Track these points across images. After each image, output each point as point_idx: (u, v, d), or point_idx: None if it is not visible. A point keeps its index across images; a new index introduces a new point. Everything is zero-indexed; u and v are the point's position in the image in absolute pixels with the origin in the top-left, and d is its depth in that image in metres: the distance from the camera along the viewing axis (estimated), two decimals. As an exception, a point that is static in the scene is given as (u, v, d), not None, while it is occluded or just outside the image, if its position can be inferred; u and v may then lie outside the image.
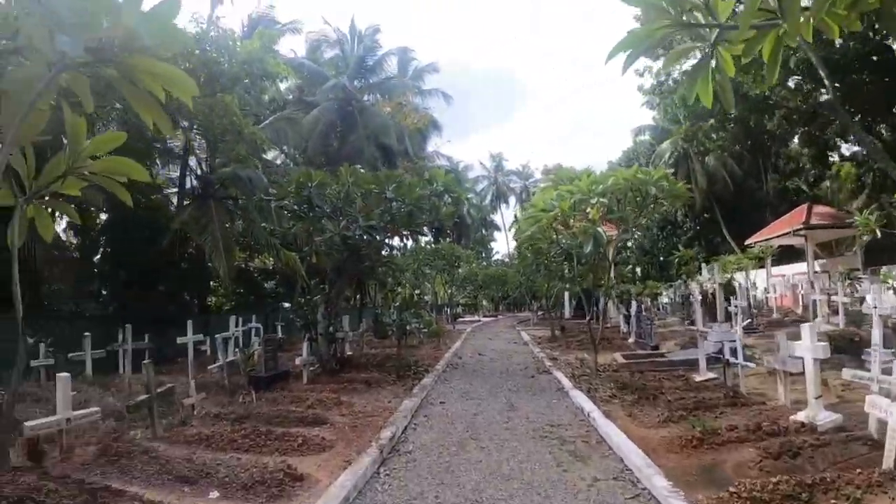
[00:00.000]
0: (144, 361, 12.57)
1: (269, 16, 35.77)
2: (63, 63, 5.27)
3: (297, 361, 17.91)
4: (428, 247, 39.38)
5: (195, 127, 24.48)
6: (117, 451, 9.47)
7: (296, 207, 17.99)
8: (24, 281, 22.41)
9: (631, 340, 25.80)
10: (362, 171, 17.82)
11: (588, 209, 16.42)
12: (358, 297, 40.38)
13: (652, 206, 17.38)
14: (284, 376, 17.49)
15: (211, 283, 31.48)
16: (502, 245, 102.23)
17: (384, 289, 39.76)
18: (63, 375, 10.34)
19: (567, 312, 45.95)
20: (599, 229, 16.29)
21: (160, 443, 10.51)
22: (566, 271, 26.62)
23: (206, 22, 24.61)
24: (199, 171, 29.37)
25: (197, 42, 22.88)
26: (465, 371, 20.39)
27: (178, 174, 30.02)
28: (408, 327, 18.77)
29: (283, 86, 36.34)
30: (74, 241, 28.83)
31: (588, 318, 22.98)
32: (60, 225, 31.09)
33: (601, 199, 16.35)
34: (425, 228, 20.34)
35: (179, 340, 19.32)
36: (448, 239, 38.96)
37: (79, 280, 25.74)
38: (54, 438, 9.89)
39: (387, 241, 19.83)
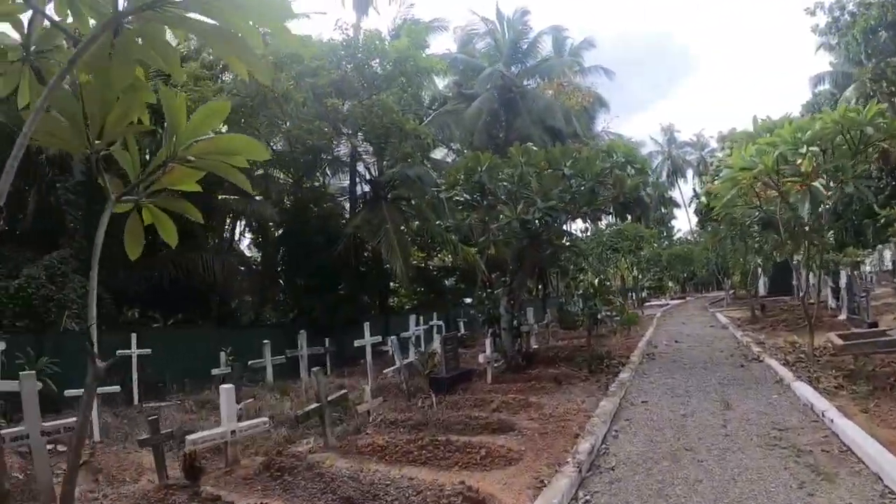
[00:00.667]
0: (314, 369, 11.84)
1: (411, 16, 35.11)
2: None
3: (481, 359, 16.53)
4: (609, 229, 36.83)
5: (359, 130, 24.04)
6: (281, 466, 8.71)
7: (467, 196, 16.61)
8: (213, 294, 22.99)
9: (842, 317, 22.37)
10: (535, 148, 15.98)
11: (799, 161, 13.66)
12: (540, 287, 38.74)
13: (870, 150, 14.36)
14: (467, 376, 16.15)
15: (390, 283, 31.23)
16: (683, 223, 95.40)
17: (566, 277, 37.78)
18: (226, 387, 9.66)
19: (762, 289, 41.77)
20: (815, 184, 13.53)
21: (331, 453, 9.81)
22: (763, 242, 23.44)
23: (353, 29, 24.13)
24: (367, 176, 29.10)
25: (346, 48, 22.49)
26: (664, 362, 17.94)
27: (348, 181, 29.97)
28: (598, 316, 16.82)
29: (441, 83, 35.62)
30: (257, 254, 29.62)
31: (801, 293, 19.84)
32: (244, 241, 32.22)
33: (811, 149, 13.59)
34: (607, 208, 18.28)
35: (357, 343, 18.64)
36: (629, 219, 36.28)
37: (261, 290, 26.20)
38: (221, 449, 9.61)
39: (568, 223, 18.06)
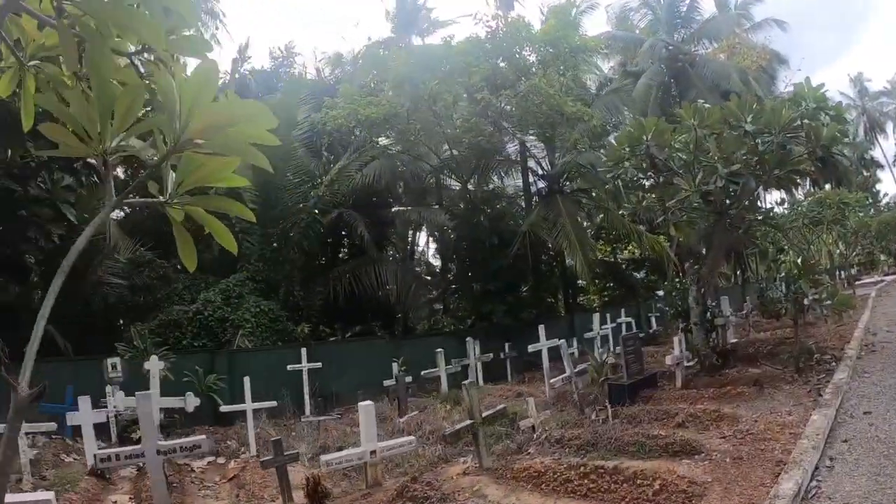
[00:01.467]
0: (466, 381, 10.54)
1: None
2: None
3: (668, 361, 14.28)
4: (808, 199, 31.60)
5: (519, 122, 22.43)
6: (413, 495, 7.95)
7: (636, 173, 14.39)
8: (389, 305, 22.36)
9: None
10: (707, 105, 13.40)
11: None
12: (738, 272, 34.79)
13: None
14: (651, 381, 13.94)
15: (578, 281, 29.26)
16: (888, 185, 79.50)
17: (766, 258, 33.46)
18: (365, 405, 9.04)
19: None
20: None
21: (484, 477, 8.80)
22: None
23: (494, 20, 22.49)
24: (540, 171, 27.39)
25: (490, 40, 21.06)
26: (889, 355, 14.33)
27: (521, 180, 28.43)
28: (805, 301, 13.88)
29: (605, 66, 32.94)
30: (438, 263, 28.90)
31: None
32: (430, 250, 31.64)
33: None
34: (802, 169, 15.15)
35: (531, 348, 17.08)
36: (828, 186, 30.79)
37: (437, 298, 25.38)
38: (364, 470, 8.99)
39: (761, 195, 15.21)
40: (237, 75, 28.52)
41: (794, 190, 16.62)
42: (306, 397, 17.16)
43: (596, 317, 19.94)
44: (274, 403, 14.75)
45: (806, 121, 11.85)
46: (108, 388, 13.72)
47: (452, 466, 10.04)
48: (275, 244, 22.68)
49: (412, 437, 9.67)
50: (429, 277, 27.01)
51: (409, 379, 17.89)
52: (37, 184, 16.71)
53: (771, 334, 18.62)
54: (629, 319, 22.62)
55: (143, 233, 27.92)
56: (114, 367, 14.58)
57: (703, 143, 12.94)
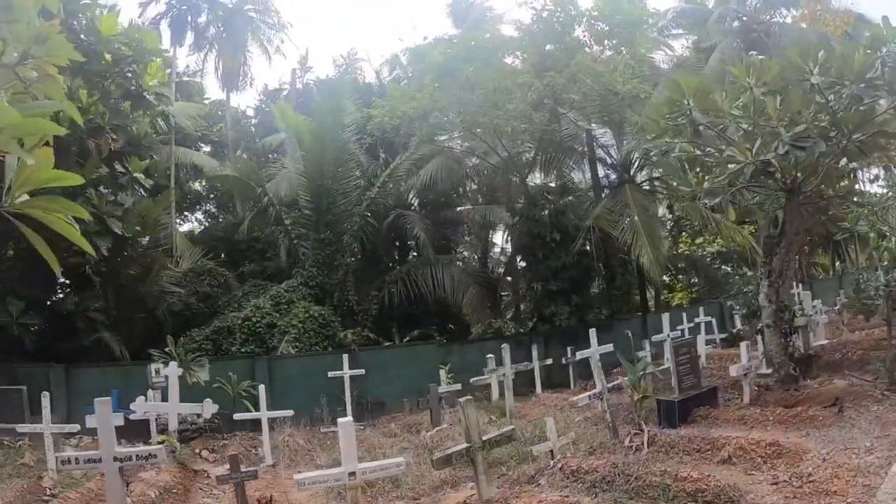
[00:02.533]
0: (463, 399, 8.50)
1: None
2: None
3: (733, 371, 11.58)
4: None
5: (572, 106, 19.96)
6: None
7: (681, 143, 11.51)
8: (446, 308, 20.46)
9: None
10: (759, 56, 10.48)
11: None
12: (836, 262, 30.34)
13: None
14: (709, 397, 11.27)
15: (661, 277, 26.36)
16: None
17: (867, 246, 28.73)
18: (344, 421, 7.51)
19: None
20: None
21: None
22: None
23: None
24: (609, 160, 24.68)
25: (539, 21, 18.75)
26: None
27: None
28: None
29: (677, 44, 29.50)
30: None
31: None
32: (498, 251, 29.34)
33: None
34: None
35: (579, 355, 14.83)
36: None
37: (498, 300, 23.25)
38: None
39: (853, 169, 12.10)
40: (299, 86, 27.39)
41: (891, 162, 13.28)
42: (348, 405, 15.96)
43: (665, 317, 17.17)
44: (290, 412, 13.79)
45: (889, 67, 8.95)
46: (150, 393, 13.75)
47: (458, 492, 8.92)
48: (328, 249, 21.32)
49: (402, 460, 7.91)
50: (490, 279, 24.68)
51: (457, 386, 16.24)
52: (85, 198, 16.48)
53: (866, 334, 15.17)
54: (709, 318, 19.44)
55: (215, 242, 27.75)
56: (157, 372, 14.20)
57: (763, 104, 10.20)
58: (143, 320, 20.58)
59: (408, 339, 21.16)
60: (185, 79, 29.56)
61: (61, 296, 19.98)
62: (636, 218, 18.91)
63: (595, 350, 14.60)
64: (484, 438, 7.85)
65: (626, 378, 11.08)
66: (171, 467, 11.16)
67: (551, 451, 9.24)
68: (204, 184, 27.68)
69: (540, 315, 20.19)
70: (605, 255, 21.71)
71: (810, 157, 9.84)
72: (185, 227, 30.36)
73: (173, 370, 13.21)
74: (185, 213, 30.22)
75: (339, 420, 7.57)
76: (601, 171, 24.71)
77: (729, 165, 10.68)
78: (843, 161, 12.86)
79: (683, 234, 28.19)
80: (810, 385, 11.55)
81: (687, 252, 27.32)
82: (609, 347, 15.13)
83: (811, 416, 8.94)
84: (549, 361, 18.10)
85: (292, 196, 22.27)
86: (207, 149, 29.69)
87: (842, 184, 12.66)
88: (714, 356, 17.52)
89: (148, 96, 17.17)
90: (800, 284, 24.58)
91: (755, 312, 13.56)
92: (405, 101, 19.45)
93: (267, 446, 12.82)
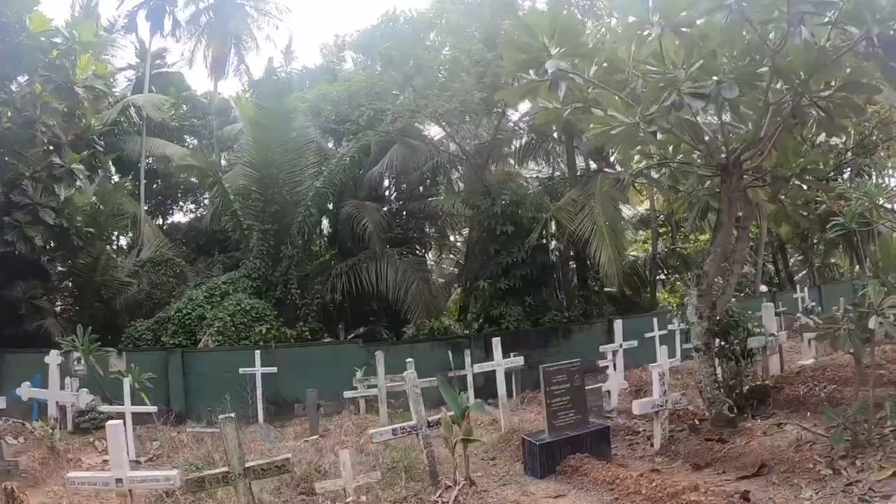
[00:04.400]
0: (223, 416, 6.04)
1: None
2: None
3: (636, 409, 8.08)
4: None
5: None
6: None
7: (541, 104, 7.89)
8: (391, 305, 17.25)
9: None
10: None
11: None
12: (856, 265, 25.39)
13: None
14: (596, 440, 7.80)
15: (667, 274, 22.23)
16: None
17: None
18: (113, 424, 6.00)
19: None
20: None
21: None
22: None
23: None
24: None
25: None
26: None
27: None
28: (871, 323, 6.95)
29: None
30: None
31: None
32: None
33: None
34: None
35: (477, 368, 11.58)
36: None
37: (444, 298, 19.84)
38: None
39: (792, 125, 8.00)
40: (275, 76, 24.39)
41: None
42: (259, 404, 13.99)
43: (618, 324, 13.46)
44: (154, 408, 11.91)
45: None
46: (68, 380, 12.93)
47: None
48: (273, 240, 18.46)
49: (174, 473, 6.09)
50: (441, 275, 21.24)
51: (374, 391, 13.47)
52: (21, 190, 15.96)
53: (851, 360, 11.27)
54: (685, 326, 15.43)
55: (195, 233, 25.38)
56: (78, 360, 13.44)
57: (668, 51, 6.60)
58: (100, 310, 19.19)
59: (352, 336, 18.13)
60: (164, 70, 27.10)
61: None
62: (597, 209, 15.22)
63: (500, 363, 11.31)
64: (247, 465, 6.01)
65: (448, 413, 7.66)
66: (35, 449, 10.33)
67: (344, 489, 6.13)
68: (184, 176, 25.14)
69: (487, 316, 16.70)
70: (576, 251, 18.05)
71: (715, 105, 6.26)
72: (177, 218, 28.21)
73: (53, 358, 12.59)
74: (173, 204, 27.89)
75: (109, 423, 6.07)
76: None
77: (613, 133, 7.08)
78: (817, 132, 9.16)
79: (681, 229, 24.03)
80: (754, 429, 8.00)
81: (681, 249, 23.14)
82: (518, 361, 11.74)
83: (713, 490, 5.33)
84: (463, 372, 14.56)
85: (248, 187, 19.65)
86: (195, 141, 27.21)
87: (816, 164, 8.75)
88: (683, 371, 13.90)
89: (77, 89, 15.50)
90: (804, 289, 20.29)
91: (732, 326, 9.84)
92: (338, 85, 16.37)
93: (131, 441, 10.72)
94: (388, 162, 19.11)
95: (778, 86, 7.15)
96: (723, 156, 7.62)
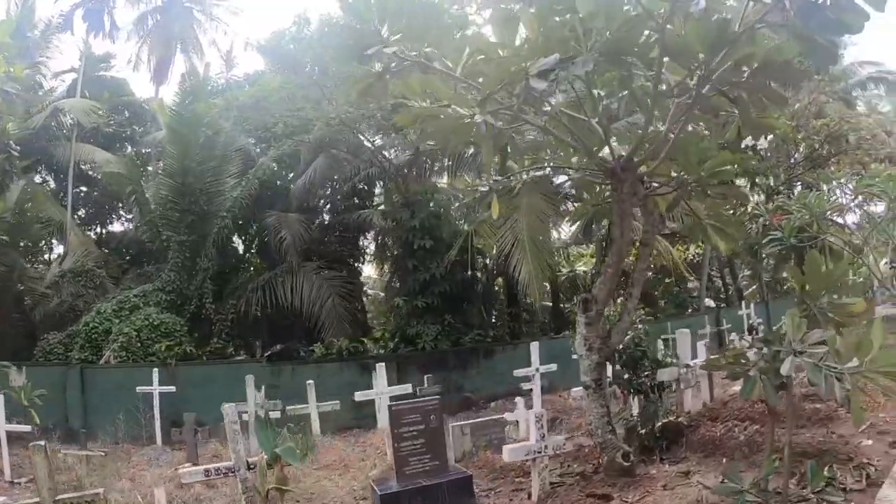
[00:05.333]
0: (33, 444, 5.48)
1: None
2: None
3: (506, 455, 6.47)
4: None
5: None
6: None
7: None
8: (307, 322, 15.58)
9: None
10: None
11: None
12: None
13: None
14: (456, 490, 6.21)
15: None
16: None
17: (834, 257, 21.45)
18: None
19: None
20: None
21: None
22: None
23: None
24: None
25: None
26: None
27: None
28: (784, 368, 5.39)
29: None
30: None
31: None
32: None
33: None
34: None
35: (358, 396, 9.99)
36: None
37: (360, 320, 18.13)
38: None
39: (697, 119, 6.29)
40: (210, 85, 22.64)
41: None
42: (157, 424, 12.76)
43: (535, 346, 11.84)
44: (27, 428, 10.70)
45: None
46: None
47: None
48: (188, 252, 16.68)
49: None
50: (359, 291, 19.47)
51: (276, 414, 11.60)
52: None
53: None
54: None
55: (131, 243, 23.50)
56: None
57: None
58: (19, 321, 17.89)
59: (268, 353, 16.39)
60: (105, 73, 25.24)
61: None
62: (521, 222, 13.61)
63: (384, 391, 9.68)
64: (57, 498, 5.49)
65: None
66: None
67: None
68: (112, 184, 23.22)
69: (403, 335, 15.02)
70: (504, 267, 16.44)
71: (566, 83, 4.73)
72: (115, 228, 26.12)
73: None
74: (111, 212, 25.88)
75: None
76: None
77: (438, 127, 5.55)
78: (735, 132, 7.60)
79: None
80: (657, 478, 6.47)
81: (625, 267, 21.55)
82: (406, 388, 10.14)
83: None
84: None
85: (166, 196, 17.92)
86: (131, 148, 25.28)
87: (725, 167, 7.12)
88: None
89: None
90: (751, 305, 18.84)
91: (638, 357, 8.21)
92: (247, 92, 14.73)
93: (6, 461, 10.38)
94: (312, 173, 17.39)
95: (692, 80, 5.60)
96: (609, 157, 6.04)
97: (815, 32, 4.81)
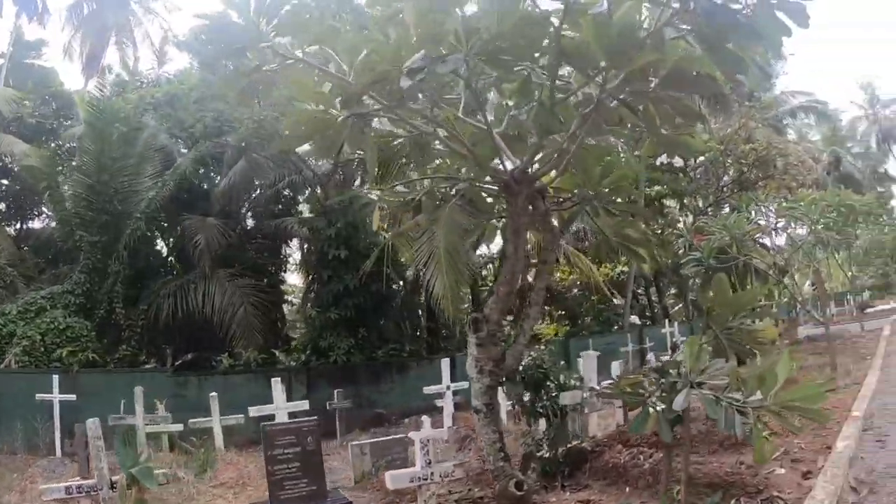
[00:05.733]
0: None
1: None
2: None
3: (389, 483, 5.87)
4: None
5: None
6: None
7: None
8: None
9: None
10: None
11: None
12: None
13: None
14: None
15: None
16: None
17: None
18: None
19: None
20: None
21: None
22: None
23: None
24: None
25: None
26: None
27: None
28: (678, 404, 4.87)
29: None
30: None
31: None
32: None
33: None
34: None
35: (255, 412, 9.17)
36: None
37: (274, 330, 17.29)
38: None
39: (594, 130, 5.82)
40: (141, 81, 21.39)
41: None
42: (56, 434, 11.94)
43: (445, 363, 11.27)
44: None
45: None
46: None
47: None
48: (99, 254, 15.56)
49: None
50: (275, 301, 18.52)
51: (178, 426, 11.42)
52: None
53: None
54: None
55: (48, 243, 22.04)
56: None
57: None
58: None
59: (179, 363, 15.43)
60: (33, 61, 23.70)
61: None
62: (438, 235, 13.04)
63: (282, 406, 8.98)
64: None
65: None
66: None
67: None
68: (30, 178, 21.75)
69: (315, 347, 14.29)
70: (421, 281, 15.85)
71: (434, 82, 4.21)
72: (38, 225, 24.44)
73: None
74: (33, 207, 24.25)
75: None
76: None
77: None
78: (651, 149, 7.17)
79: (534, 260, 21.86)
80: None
81: (558, 285, 21.18)
82: (303, 405, 9.47)
83: None
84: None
85: (80, 193, 16.76)
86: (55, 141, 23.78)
87: (623, 182, 6.56)
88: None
89: None
90: (674, 324, 18.77)
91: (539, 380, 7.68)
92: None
93: None
94: (233, 176, 16.48)
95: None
96: (500, 167, 5.53)
97: (725, 39, 4.39)
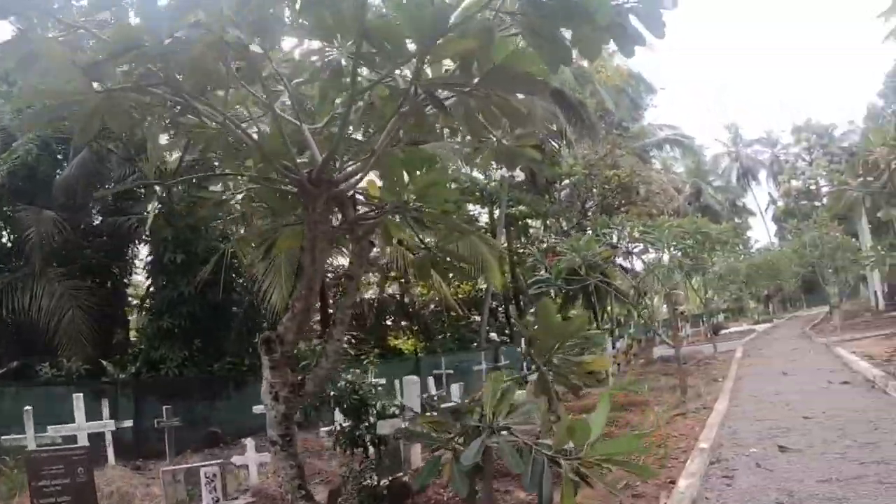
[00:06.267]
0: None
1: None
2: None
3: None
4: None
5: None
6: None
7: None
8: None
9: None
10: None
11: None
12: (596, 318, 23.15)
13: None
14: None
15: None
16: (759, 232, 63.48)
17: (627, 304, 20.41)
18: None
19: (875, 300, 27.38)
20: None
21: None
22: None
23: None
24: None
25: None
26: None
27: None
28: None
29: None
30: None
31: None
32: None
33: None
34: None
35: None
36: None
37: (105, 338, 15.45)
38: None
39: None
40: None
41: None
42: None
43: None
44: None
45: None
46: None
47: None
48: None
49: None
50: (110, 306, 16.64)
51: None
52: None
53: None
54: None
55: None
56: None
57: None
58: None
59: (3, 370, 13.26)
60: None
61: None
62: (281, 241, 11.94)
63: (82, 425, 7.69)
64: None
65: None
66: None
67: None
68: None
69: (147, 359, 12.79)
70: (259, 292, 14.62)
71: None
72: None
73: None
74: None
75: None
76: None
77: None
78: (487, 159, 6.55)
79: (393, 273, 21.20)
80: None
81: (395, 296, 20.52)
82: (109, 425, 8.18)
83: None
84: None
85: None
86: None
87: (438, 189, 5.83)
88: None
89: None
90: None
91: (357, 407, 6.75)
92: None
93: None
94: (73, 168, 14.54)
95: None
96: (287, 164, 4.64)
97: (555, 27, 3.73)
